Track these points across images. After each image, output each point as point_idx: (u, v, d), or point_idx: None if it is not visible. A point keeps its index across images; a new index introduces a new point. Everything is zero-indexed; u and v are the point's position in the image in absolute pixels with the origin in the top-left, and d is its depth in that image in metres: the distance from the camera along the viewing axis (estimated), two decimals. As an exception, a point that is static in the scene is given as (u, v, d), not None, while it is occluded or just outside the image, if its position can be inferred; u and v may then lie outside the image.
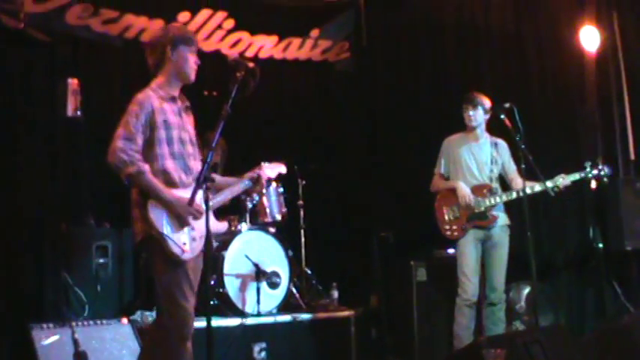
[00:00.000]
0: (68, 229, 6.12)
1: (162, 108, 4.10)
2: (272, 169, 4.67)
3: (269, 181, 4.78)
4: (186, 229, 4.04)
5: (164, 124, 4.07)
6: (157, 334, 4.14)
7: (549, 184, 5.72)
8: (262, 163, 4.60)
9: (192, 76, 4.24)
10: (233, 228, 6.28)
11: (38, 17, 6.38)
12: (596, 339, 4.92)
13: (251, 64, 3.98)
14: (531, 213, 5.58)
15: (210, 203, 4.18)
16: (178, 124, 4.16)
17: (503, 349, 3.68)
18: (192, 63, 4.21)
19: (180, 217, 4.01)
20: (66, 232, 6.07)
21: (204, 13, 7.42)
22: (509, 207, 6.07)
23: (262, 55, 7.81)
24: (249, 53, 7.67)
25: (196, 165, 4.20)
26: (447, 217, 6.07)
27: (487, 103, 6.05)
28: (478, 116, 6.04)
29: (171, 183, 4.05)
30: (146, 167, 3.98)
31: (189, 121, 4.29)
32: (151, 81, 4.24)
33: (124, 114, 4.07)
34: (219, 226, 4.39)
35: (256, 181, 4.52)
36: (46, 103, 6.20)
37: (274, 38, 7.88)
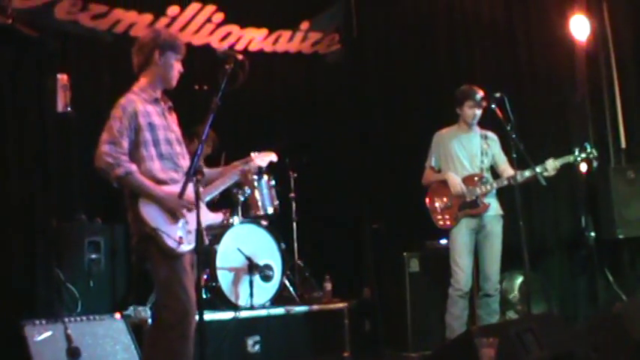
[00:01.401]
0: (60, 224, 6.10)
1: (146, 110, 4.13)
2: (262, 159, 4.61)
3: (260, 171, 4.73)
4: (180, 223, 4.05)
5: (149, 126, 4.10)
6: (156, 333, 4.14)
7: (539, 169, 5.73)
8: (251, 154, 4.57)
9: (174, 83, 4.29)
10: (225, 221, 6.28)
11: (27, 13, 6.36)
12: (589, 327, 4.93)
13: (240, 57, 3.97)
14: (523, 202, 5.59)
15: (207, 197, 4.27)
16: (163, 125, 4.18)
17: (496, 337, 3.68)
18: (176, 71, 4.26)
19: (173, 210, 4.02)
20: (57, 228, 6.06)
21: (194, 6, 7.42)
22: (501, 197, 6.08)
23: (252, 48, 7.81)
24: (239, 46, 7.67)
25: (186, 163, 4.21)
26: (438, 208, 6.07)
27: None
28: (480, 114, 6.05)
29: (160, 183, 4.06)
30: (133, 167, 4.01)
31: (173, 121, 4.31)
32: (134, 83, 4.25)
33: (108, 119, 4.09)
34: (213, 217, 4.38)
35: (244, 174, 4.54)
36: (35, 99, 6.17)
37: (264, 31, 7.87)
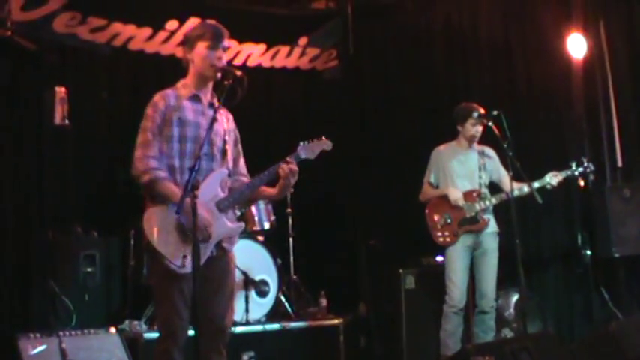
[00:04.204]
0: (55, 237, 6.10)
1: (180, 105, 4.00)
2: (312, 150, 4.34)
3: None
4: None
5: (178, 122, 3.96)
6: None
7: (538, 184, 5.78)
8: (299, 144, 4.29)
9: (211, 72, 4.03)
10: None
11: (26, 25, 6.36)
12: (585, 346, 4.93)
13: (239, 73, 3.92)
14: (519, 220, 5.59)
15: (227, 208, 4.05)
16: (196, 122, 4.02)
17: (492, 356, 3.68)
18: (210, 60, 4.02)
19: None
20: (53, 241, 6.05)
21: (193, 20, 7.39)
22: (498, 214, 6.09)
23: (250, 63, 7.81)
24: (237, 61, 7.66)
25: (211, 166, 4.02)
26: (438, 224, 6.06)
27: None
28: (481, 131, 6.06)
29: (175, 182, 3.90)
30: (159, 175, 3.88)
31: (218, 122, 4.05)
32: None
33: (143, 117, 3.99)
34: (231, 228, 4.07)
35: (284, 175, 4.18)
36: (33, 111, 6.18)
37: (262, 46, 7.88)
